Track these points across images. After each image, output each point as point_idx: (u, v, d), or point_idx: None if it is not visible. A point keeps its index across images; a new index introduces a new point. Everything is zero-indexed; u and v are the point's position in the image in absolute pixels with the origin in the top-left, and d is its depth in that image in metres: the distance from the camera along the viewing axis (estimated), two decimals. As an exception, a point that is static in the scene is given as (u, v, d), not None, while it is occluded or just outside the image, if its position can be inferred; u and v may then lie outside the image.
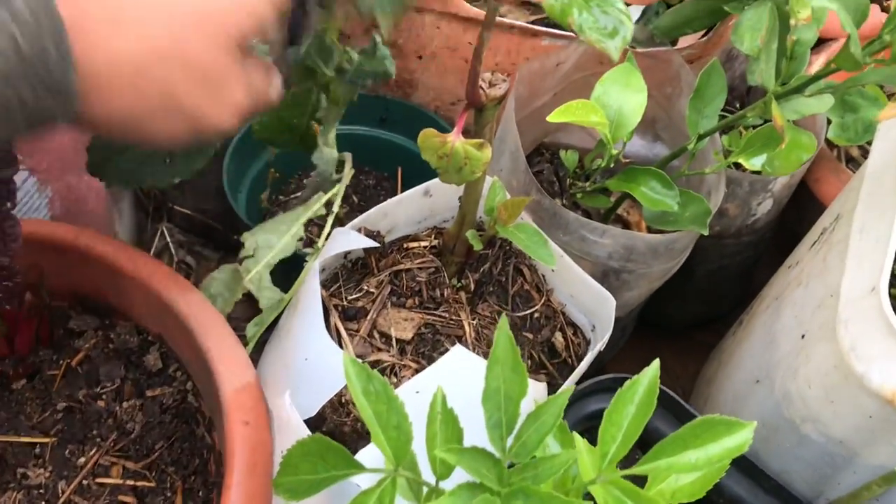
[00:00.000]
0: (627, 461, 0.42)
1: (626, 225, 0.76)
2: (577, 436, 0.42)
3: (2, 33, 0.34)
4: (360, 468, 0.41)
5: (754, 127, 0.66)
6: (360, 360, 0.57)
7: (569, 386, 0.41)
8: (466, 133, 0.52)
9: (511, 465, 0.40)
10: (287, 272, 0.67)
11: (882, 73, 0.49)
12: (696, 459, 0.40)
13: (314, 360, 0.54)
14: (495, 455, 0.39)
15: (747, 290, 0.94)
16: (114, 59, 0.39)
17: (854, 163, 0.86)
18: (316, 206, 0.68)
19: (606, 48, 0.39)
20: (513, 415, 0.39)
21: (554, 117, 0.54)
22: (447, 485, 0.41)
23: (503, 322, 0.40)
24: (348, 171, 0.71)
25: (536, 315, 0.66)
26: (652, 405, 0.40)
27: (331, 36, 0.60)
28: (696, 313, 0.93)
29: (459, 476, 0.42)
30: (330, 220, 0.65)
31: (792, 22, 0.52)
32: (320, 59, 0.61)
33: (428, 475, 0.42)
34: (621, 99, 0.59)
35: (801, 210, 0.85)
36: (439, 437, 0.41)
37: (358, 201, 0.89)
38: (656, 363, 0.41)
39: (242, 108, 0.47)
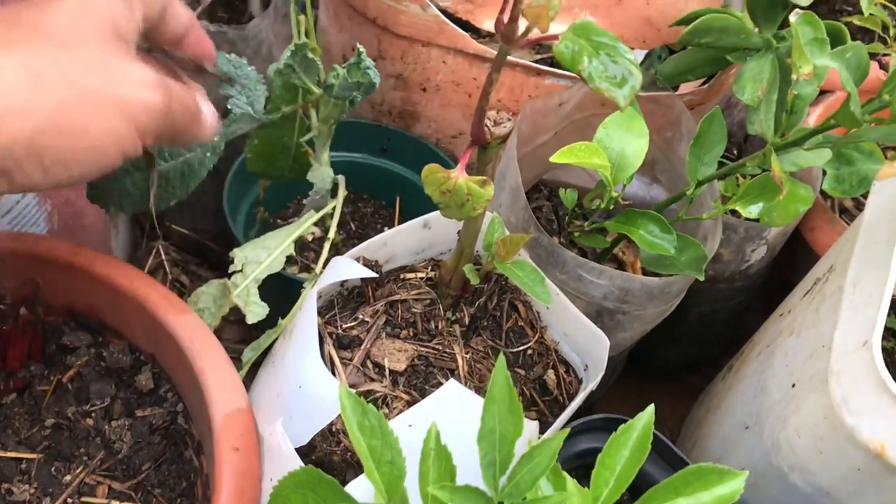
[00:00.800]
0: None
1: (622, 265, 0.77)
2: (568, 479, 0.42)
3: None
4: (351, 502, 0.41)
5: (752, 175, 0.67)
6: (353, 391, 0.58)
7: (564, 429, 0.41)
8: (468, 169, 0.52)
9: (502, 505, 0.40)
10: (282, 298, 0.67)
11: (881, 132, 0.50)
12: (688, 507, 0.40)
13: (308, 389, 0.53)
14: (487, 494, 0.39)
15: (738, 335, 0.95)
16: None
17: (848, 214, 0.87)
18: (306, 225, 0.68)
19: (615, 97, 0.40)
20: (507, 455, 0.39)
21: (557, 158, 0.54)
22: (438, 522, 0.41)
23: (501, 362, 0.40)
24: (342, 194, 0.71)
25: (529, 352, 0.66)
26: (646, 450, 0.40)
27: (312, 51, 0.61)
28: (686, 356, 0.93)
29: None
30: (326, 247, 0.65)
31: (793, 77, 0.53)
32: (304, 74, 0.62)
33: (420, 510, 0.42)
34: (623, 142, 0.60)
35: (794, 257, 0.86)
36: (432, 473, 0.41)
37: (355, 228, 0.90)
38: (651, 409, 0.42)
39: (154, 81, 0.46)
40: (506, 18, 0.44)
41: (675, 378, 0.96)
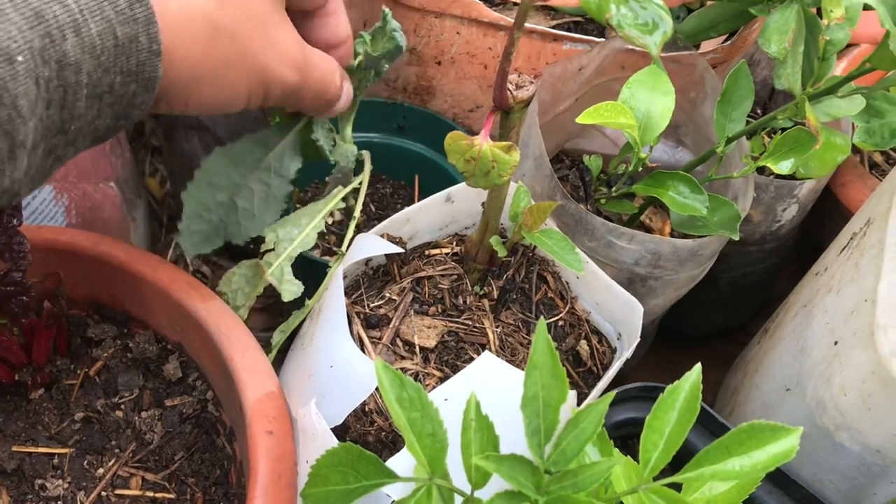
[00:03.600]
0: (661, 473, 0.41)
1: (649, 231, 0.75)
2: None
3: (105, 24, 0.36)
4: (393, 477, 0.40)
5: (780, 130, 0.65)
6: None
7: (609, 392, 0.39)
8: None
9: (548, 474, 0.39)
10: (307, 281, 0.66)
11: (920, 73, 0.48)
12: (741, 467, 0.38)
13: (340, 368, 0.52)
14: (533, 462, 0.38)
15: (768, 299, 0.93)
16: (187, 11, 0.43)
17: (878, 169, 0.85)
18: (336, 199, 0.67)
19: (646, 44, 0.38)
20: (552, 421, 0.38)
21: (583, 119, 0.53)
22: (482, 494, 0.40)
23: (542, 326, 0.39)
24: (367, 169, 0.70)
25: (561, 323, 0.65)
26: (694, 412, 0.39)
27: None
28: (716, 323, 0.92)
29: (494, 485, 0.41)
30: (352, 224, 0.64)
31: (824, 22, 0.51)
32: None
33: (459, 484, 0.41)
34: (649, 101, 0.58)
35: (824, 216, 0.84)
36: (475, 444, 0.40)
37: (375, 209, 0.88)
38: (697, 368, 0.40)
39: (298, 63, 0.50)
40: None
41: (705, 346, 0.95)
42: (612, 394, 0.39)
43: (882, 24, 0.45)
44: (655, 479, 0.41)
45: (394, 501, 0.42)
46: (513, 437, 0.43)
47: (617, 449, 0.49)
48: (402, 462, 0.45)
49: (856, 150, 0.83)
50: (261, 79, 0.48)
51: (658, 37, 0.38)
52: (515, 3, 0.82)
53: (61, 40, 0.35)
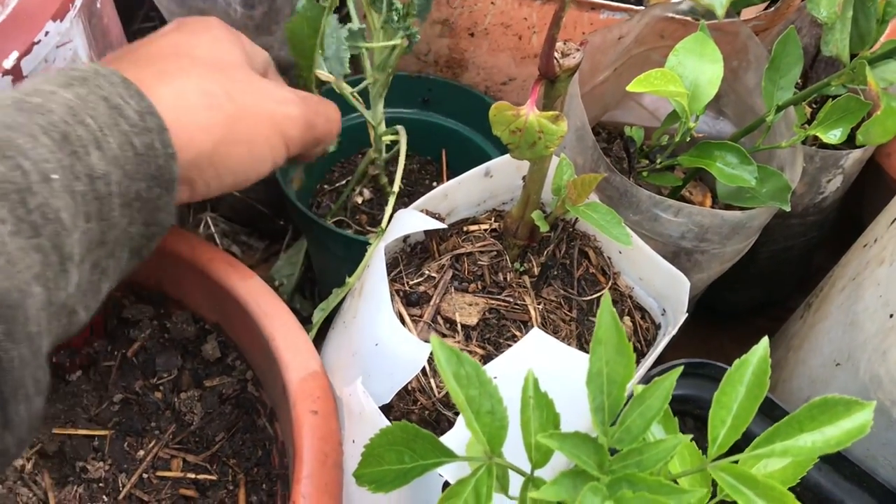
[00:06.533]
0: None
1: (690, 204, 0.74)
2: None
3: (122, 137, 0.40)
4: (451, 456, 0.39)
5: (827, 99, 0.63)
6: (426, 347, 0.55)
7: (676, 367, 0.38)
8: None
9: (612, 452, 0.38)
10: (345, 259, 0.65)
11: None
12: (813, 442, 0.37)
13: (385, 346, 0.51)
14: (597, 441, 0.37)
15: (807, 273, 0.91)
16: (180, 91, 0.46)
17: (921, 138, 0.83)
18: None
19: (712, 4, 0.36)
20: (617, 398, 0.37)
21: (634, 86, 0.51)
22: (541, 473, 0.39)
23: (606, 300, 0.38)
24: (404, 145, 0.68)
25: (603, 299, 0.64)
26: (764, 386, 0.38)
27: None
28: (754, 298, 0.90)
29: (555, 464, 0.40)
30: (392, 200, 0.62)
31: (884, -18, 0.49)
32: (374, 9, 0.58)
33: (517, 463, 0.40)
34: (697, 70, 0.56)
35: (865, 187, 0.82)
36: (534, 422, 0.38)
37: (404, 186, 0.87)
38: (765, 341, 0.39)
39: (295, 99, 0.53)
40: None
41: (743, 322, 0.93)
42: (679, 369, 0.38)
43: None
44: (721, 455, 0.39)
45: (450, 483, 0.41)
46: (565, 416, 0.41)
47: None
48: (455, 440, 0.44)
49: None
50: (271, 125, 0.50)
51: (725, -4, 0.36)
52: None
53: (86, 155, 0.38)
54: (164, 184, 0.43)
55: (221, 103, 0.47)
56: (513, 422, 0.39)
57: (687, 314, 0.75)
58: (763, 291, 0.89)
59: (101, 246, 0.40)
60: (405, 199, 0.83)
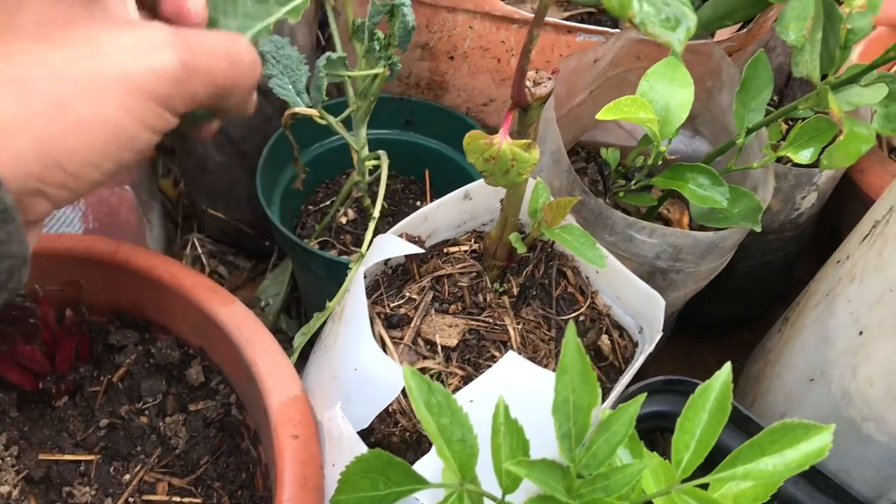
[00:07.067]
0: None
1: (668, 224, 0.75)
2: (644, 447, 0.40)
3: None
4: (424, 483, 0.40)
5: (799, 119, 0.64)
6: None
7: (639, 395, 0.39)
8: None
9: (580, 477, 0.39)
10: (326, 281, 0.66)
11: (946, 60, 0.47)
12: (774, 466, 0.38)
13: (365, 371, 0.52)
14: (565, 466, 0.38)
15: (787, 287, 0.92)
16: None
17: (896, 153, 0.84)
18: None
19: (670, 41, 0.37)
20: (583, 425, 0.38)
21: (603, 115, 0.52)
22: (513, 498, 0.40)
23: (571, 329, 0.39)
24: (385, 170, 0.69)
25: (581, 318, 0.65)
26: (726, 412, 0.39)
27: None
28: (735, 312, 0.91)
29: (527, 487, 0.41)
30: (372, 225, 0.63)
31: (844, 10, 0.51)
32: (356, 39, 0.59)
33: (489, 488, 0.41)
34: (668, 94, 0.58)
35: (842, 202, 0.83)
36: (504, 448, 0.39)
37: (388, 206, 0.88)
38: (728, 367, 0.40)
39: (167, 40, 0.38)
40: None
41: (724, 334, 0.94)
42: (643, 396, 0.39)
43: (908, 12, 0.44)
44: (687, 478, 0.41)
45: (424, 507, 0.42)
46: (540, 436, 0.42)
47: (646, 448, 0.48)
48: (429, 465, 0.45)
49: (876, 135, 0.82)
50: (129, 89, 0.37)
51: (682, 33, 0.38)
52: (527, -5, 0.81)
53: None
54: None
55: (39, 87, 0.35)
56: (489, 445, 0.40)
57: (663, 332, 0.76)
58: (743, 305, 0.90)
59: None
60: (389, 219, 0.84)
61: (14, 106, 0.35)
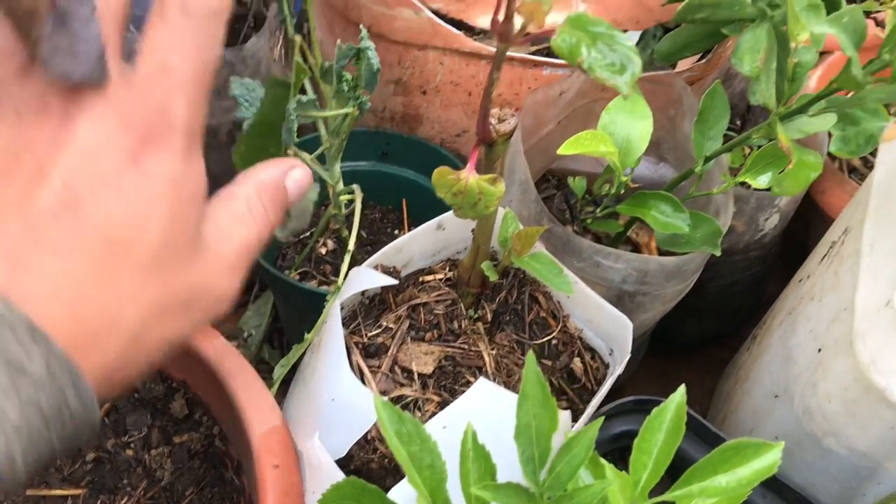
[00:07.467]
0: (657, 487, 0.43)
1: (637, 246, 0.77)
2: (607, 465, 0.43)
3: (28, 406, 0.29)
4: (396, 509, 0.42)
5: (759, 146, 0.67)
6: (386, 399, 0.58)
7: (598, 417, 0.41)
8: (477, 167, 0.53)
9: (545, 499, 0.41)
10: (305, 312, 0.67)
11: (884, 92, 0.50)
12: (727, 483, 0.40)
13: (341, 401, 0.54)
14: (530, 490, 0.40)
15: (759, 303, 0.95)
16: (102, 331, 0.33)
17: (857, 173, 0.87)
18: None
19: (617, 85, 0.40)
20: (545, 449, 0.40)
21: (564, 150, 0.55)
22: (482, 520, 0.42)
23: (530, 358, 0.41)
24: (359, 206, 0.72)
25: (554, 342, 0.67)
26: (680, 431, 0.41)
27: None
28: (709, 330, 0.94)
29: (494, 511, 0.42)
30: (347, 259, 0.66)
31: (792, 45, 0.53)
32: (314, 110, 0.62)
33: (462, 511, 0.43)
34: (628, 126, 0.60)
35: (808, 221, 0.86)
36: (472, 473, 0.41)
37: (367, 235, 0.90)
38: (682, 389, 0.42)
39: (249, 246, 0.38)
40: (501, 17, 0.45)
41: (700, 352, 0.97)
42: (601, 420, 0.41)
43: (844, 51, 0.47)
44: (651, 493, 0.43)
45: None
46: (511, 457, 0.44)
47: (612, 465, 0.50)
48: (403, 492, 0.47)
49: (835, 156, 0.85)
50: (205, 311, 0.37)
51: (628, 77, 0.40)
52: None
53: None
54: (85, 429, 0.32)
55: (124, 324, 0.33)
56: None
57: (638, 352, 0.78)
58: (715, 323, 0.93)
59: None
60: (368, 248, 0.86)
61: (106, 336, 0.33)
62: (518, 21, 0.44)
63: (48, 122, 0.32)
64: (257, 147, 0.68)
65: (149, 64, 0.34)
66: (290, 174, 0.41)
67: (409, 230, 0.81)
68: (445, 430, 0.52)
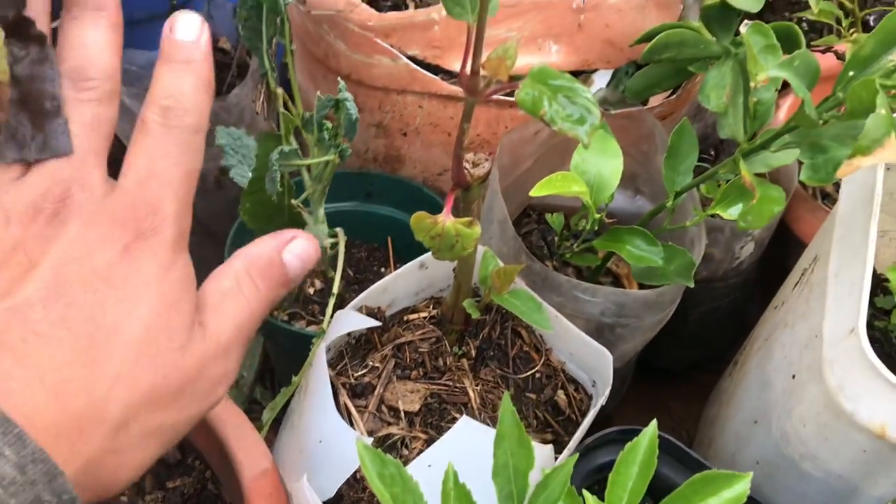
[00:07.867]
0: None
1: (617, 278, 0.79)
2: (588, 498, 0.44)
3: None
4: (381, 549, 0.43)
5: (727, 180, 0.69)
6: (371, 439, 0.60)
7: (573, 455, 0.43)
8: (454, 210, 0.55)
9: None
10: (293, 354, 0.69)
11: (838, 128, 0.52)
12: (699, 513, 0.42)
13: (328, 442, 0.56)
14: (509, 526, 0.41)
15: (742, 328, 0.97)
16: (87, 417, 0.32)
17: (830, 199, 0.89)
18: None
19: (577, 135, 0.42)
20: (522, 486, 0.42)
21: (537, 191, 0.57)
22: (465, 557, 0.43)
23: (506, 399, 0.43)
24: (342, 249, 0.73)
25: (538, 375, 0.68)
26: (652, 466, 0.42)
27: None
28: (693, 356, 0.95)
29: (476, 548, 0.44)
30: (332, 302, 0.67)
31: (752, 84, 0.56)
32: (307, 131, 0.64)
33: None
34: (599, 165, 0.62)
35: (786, 247, 0.88)
36: (454, 512, 0.43)
37: (353, 274, 0.92)
38: (653, 424, 0.44)
39: (243, 329, 0.39)
40: (468, 71, 0.47)
41: (687, 378, 0.98)
42: (576, 456, 0.43)
43: (796, 93, 0.49)
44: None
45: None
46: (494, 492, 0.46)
47: (595, 497, 0.52)
48: (390, 531, 0.48)
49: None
50: (206, 394, 0.37)
51: (587, 128, 0.42)
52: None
53: None
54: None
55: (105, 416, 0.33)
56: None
57: (623, 381, 0.80)
58: (699, 350, 0.94)
59: None
60: (355, 287, 0.88)
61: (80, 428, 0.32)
62: (484, 75, 0.46)
63: (38, 224, 0.33)
64: (263, 202, 0.70)
65: (136, 169, 0.35)
66: (289, 247, 0.41)
67: (396, 267, 0.83)
68: (431, 468, 0.54)
